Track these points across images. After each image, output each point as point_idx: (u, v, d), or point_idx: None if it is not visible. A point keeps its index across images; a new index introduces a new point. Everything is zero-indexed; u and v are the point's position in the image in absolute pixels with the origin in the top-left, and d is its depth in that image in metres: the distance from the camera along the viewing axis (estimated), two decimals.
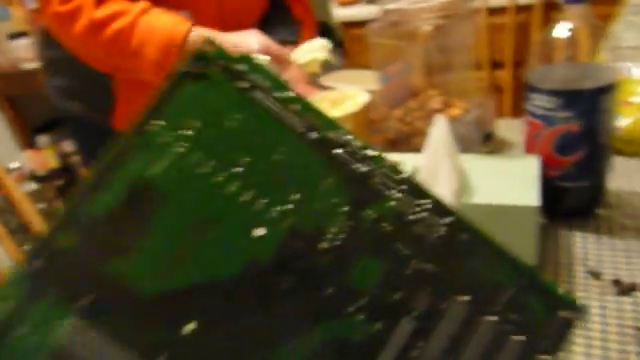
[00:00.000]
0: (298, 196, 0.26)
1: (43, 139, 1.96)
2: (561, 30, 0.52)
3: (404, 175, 0.27)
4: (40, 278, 0.24)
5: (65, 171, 1.97)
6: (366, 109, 0.74)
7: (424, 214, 0.27)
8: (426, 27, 0.61)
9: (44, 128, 1.98)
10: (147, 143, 0.26)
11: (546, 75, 0.54)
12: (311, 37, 0.94)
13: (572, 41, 0.53)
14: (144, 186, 0.25)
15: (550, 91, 0.52)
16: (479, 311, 0.27)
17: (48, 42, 0.87)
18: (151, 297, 0.25)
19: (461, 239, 0.27)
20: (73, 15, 0.70)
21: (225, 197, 0.26)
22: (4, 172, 1.18)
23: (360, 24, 1.62)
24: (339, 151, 0.27)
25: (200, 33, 0.71)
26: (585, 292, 0.47)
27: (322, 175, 0.27)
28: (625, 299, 0.46)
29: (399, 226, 0.27)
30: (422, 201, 0.27)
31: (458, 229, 0.27)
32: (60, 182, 1.96)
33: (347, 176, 0.27)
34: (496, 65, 1.41)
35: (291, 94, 0.27)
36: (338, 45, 2.85)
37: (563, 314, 0.27)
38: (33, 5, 1.76)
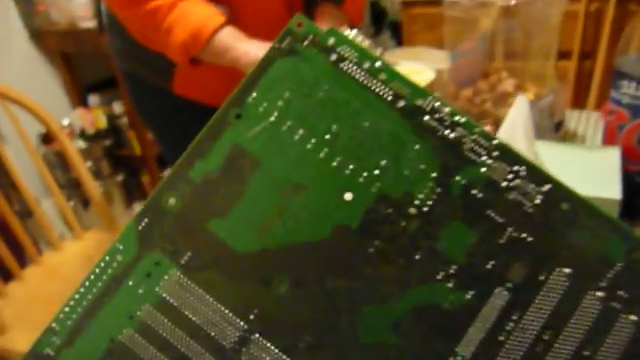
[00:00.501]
0: (385, 162, 0.27)
1: (94, 99, 2.00)
2: None
3: (496, 141, 0.26)
4: (147, 235, 0.27)
5: (112, 132, 2.01)
6: (432, 86, 0.71)
7: (518, 181, 0.26)
8: (507, 2, 0.58)
9: (96, 87, 2.02)
10: (243, 113, 0.28)
11: (638, 62, 0.50)
12: (354, 12, 0.90)
13: None
14: (240, 153, 0.27)
15: None
16: (583, 285, 0.25)
17: (115, 28, 0.88)
18: (244, 256, 0.26)
19: (561, 208, 0.26)
20: None
21: (314, 163, 0.27)
22: (59, 128, 1.21)
23: (421, 3, 1.58)
24: (427, 118, 0.27)
25: (230, 32, 0.72)
26: None
27: (410, 142, 0.27)
28: None
29: (491, 193, 0.26)
30: (516, 167, 0.26)
31: (557, 197, 0.26)
32: (107, 142, 2.00)
33: (435, 143, 0.27)
34: (562, 55, 1.35)
35: (378, 64, 0.28)
36: (390, 26, 2.80)
37: None
38: None
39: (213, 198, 0.27)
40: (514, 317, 0.25)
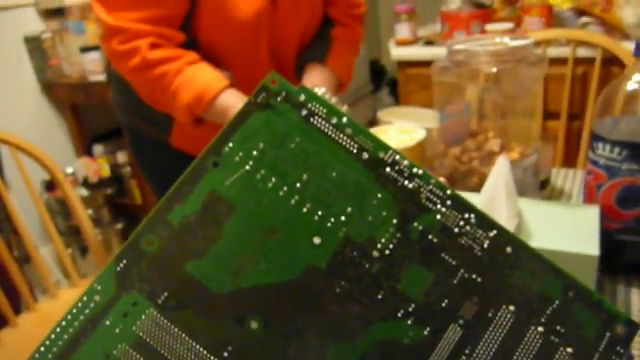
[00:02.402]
0: (351, 209, 0.29)
1: (99, 148, 2.05)
2: (631, 82, 0.52)
3: (449, 191, 0.29)
4: (126, 276, 0.27)
5: (115, 181, 2.04)
6: (422, 145, 0.74)
7: (468, 227, 0.29)
8: (490, 69, 0.62)
9: (101, 138, 2.07)
10: (220, 162, 0.29)
11: (613, 126, 0.54)
12: (339, 55, 0.95)
13: None
14: (217, 198, 0.29)
15: (616, 142, 0.52)
16: (526, 321, 0.28)
17: (118, 84, 0.93)
18: (219, 296, 0.27)
19: (505, 251, 0.29)
20: (129, 54, 0.77)
21: (286, 209, 0.29)
22: (62, 176, 1.24)
23: (416, 64, 1.65)
24: (388, 169, 0.30)
25: (232, 93, 0.77)
26: None
27: (373, 191, 0.29)
28: None
29: (445, 238, 0.29)
30: (467, 215, 0.29)
31: (502, 242, 0.29)
32: (109, 191, 2.03)
33: (396, 192, 0.29)
34: (551, 115, 1.40)
35: (344, 120, 0.30)
36: (388, 83, 2.89)
37: (617, 330, 0.28)
38: None
39: (190, 240, 0.28)
40: (466, 351, 0.27)
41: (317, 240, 0.28)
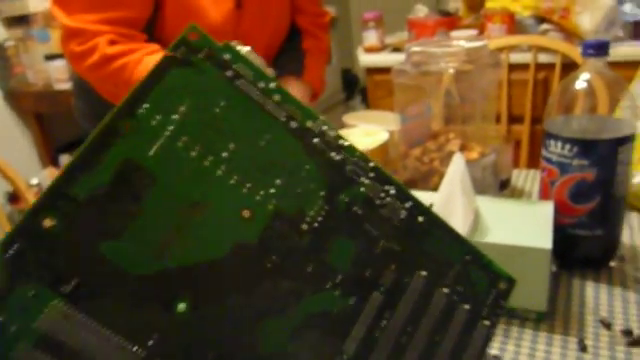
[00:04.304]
0: (280, 181, 0.28)
1: (65, 158, 2.00)
2: (580, 81, 0.54)
3: (372, 164, 0.30)
4: (21, 262, 0.23)
5: None
6: (385, 147, 0.75)
7: (389, 199, 0.30)
8: (449, 71, 0.63)
9: (68, 147, 2.03)
10: (135, 125, 0.25)
11: (564, 124, 0.55)
12: (313, 68, 0.96)
13: (590, 93, 0.54)
14: (133, 168, 0.25)
15: (567, 139, 0.53)
16: (434, 284, 0.30)
17: (81, 91, 0.93)
18: (142, 278, 0.24)
19: (418, 221, 0.30)
20: (87, 52, 0.77)
21: (212, 181, 0.26)
22: (26, 187, 1.21)
23: (383, 70, 1.67)
24: (316, 140, 0.29)
25: None
26: (595, 341, 0.47)
27: (302, 162, 0.28)
28: (635, 350, 0.45)
29: (368, 209, 0.29)
30: (387, 187, 0.30)
31: (416, 212, 0.31)
32: None
33: (324, 163, 0.29)
34: (515, 119, 1.43)
35: (272, 85, 0.28)
36: (360, 91, 2.92)
37: (500, 286, 0.32)
38: None
39: (102, 217, 0.24)
40: (386, 316, 0.29)
41: (246, 214, 0.27)
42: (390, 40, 1.77)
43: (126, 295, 0.24)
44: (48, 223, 0.23)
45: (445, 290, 0.30)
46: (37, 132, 2.00)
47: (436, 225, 0.31)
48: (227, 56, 0.27)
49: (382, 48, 1.69)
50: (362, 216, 0.29)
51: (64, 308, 0.23)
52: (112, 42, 0.76)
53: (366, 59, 1.68)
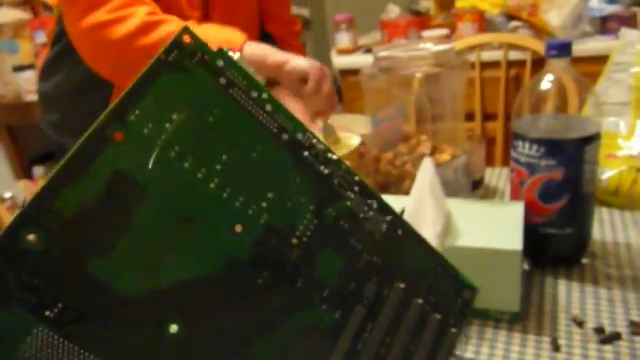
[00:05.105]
0: (271, 194, 0.27)
1: (39, 170, 1.97)
2: (545, 82, 0.55)
3: (357, 177, 0.30)
4: (0, 284, 0.21)
5: None
6: (357, 152, 0.75)
7: (371, 213, 0.30)
8: (417, 75, 0.63)
9: (42, 159, 1.99)
10: (126, 134, 0.24)
11: (531, 124, 0.56)
12: None
13: (556, 93, 0.55)
14: (124, 179, 0.23)
15: (534, 139, 0.54)
16: (411, 295, 0.31)
17: (45, 76, 0.90)
18: (132, 300, 0.23)
19: (398, 234, 0.31)
20: (121, 20, 0.70)
21: (205, 194, 0.25)
22: None
23: (356, 72, 1.67)
24: (306, 153, 0.28)
25: (254, 46, 0.71)
26: (568, 340, 0.47)
27: (292, 175, 0.28)
28: (607, 348, 0.46)
29: (353, 223, 0.29)
30: (370, 201, 0.30)
31: (396, 226, 0.31)
32: None
33: (313, 177, 0.29)
34: (489, 117, 1.45)
35: (265, 95, 0.27)
36: (338, 92, 2.92)
37: (465, 294, 0.33)
38: (41, 39, 1.80)
39: (90, 233, 0.22)
40: (368, 328, 0.29)
41: (238, 228, 0.26)
42: (363, 41, 1.77)
43: (116, 318, 0.23)
44: (30, 240, 0.21)
45: (419, 301, 0.31)
46: (9, 144, 1.96)
47: (412, 237, 0.32)
48: (221, 62, 0.26)
49: (355, 49, 1.69)
50: (347, 230, 0.29)
51: (49, 335, 0.21)
52: (151, 13, 0.70)
53: (339, 61, 1.68)
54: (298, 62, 0.68)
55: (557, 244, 0.57)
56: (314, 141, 0.29)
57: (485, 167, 0.81)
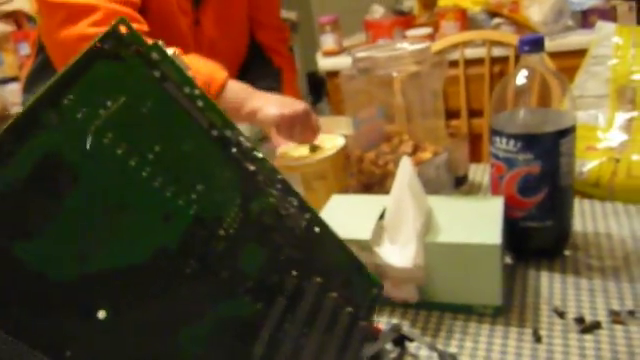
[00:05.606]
0: (201, 186, 0.28)
1: None
2: (520, 77, 0.55)
3: (280, 176, 0.32)
4: None
5: None
6: (342, 153, 0.76)
7: (292, 210, 0.32)
8: (395, 74, 0.64)
9: None
10: (58, 117, 0.23)
11: (508, 120, 0.56)
12: (291, 83, 0.98)
13: (531, 88, 0.55)
14: (55, 162, 0.23)
15: (511, 135, 0.54)
16: (326, 289, 0.32)
17: (30, 87, 0.90)
18: (62, 285, 0.23)
19: (315, 231, 0.33)
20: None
21: (137, 182, 0.26)
22: None
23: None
24: (234, 149, 0.30)
25: (235, 88, 0.73)
26: (549, 330, 0.48)
27: (221, 169, 0.29)
28: (587, 337, 0.46)
29: (276, 219, 0.31)
30: (291, 198, 0.32)
31: (314, 223, 0.33)
32: None
33: (240, 172, 0.30)
34: (474, 113, 1.46)
35: (197, 91, 0.28)
36: (326, 93, 2.92)
37: (373, 290, 0.35)
38: (26, 51, 1.80)
39: (17, 215, 0.22)
40: (288, 319, 0.31)
41: (169, 218, 0.27)
42: (348, 42, 1.78)
43: (43, 303, 0.22)
44: None
45: (334, 294, 0.33)
46: None
47: (328, 235, 0.34)
48: (155, 55, 0.27)
49: (340, 51, 1.70)
50: (270, 225, 0.31)
51: None
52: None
53: (326, 63, 1.69)
54: (268, 112, 0.70)
55: (538, 237, 0.58)
56: (241, 139, 0.30)
57: (469, 163, 0.82)
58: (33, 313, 0.22)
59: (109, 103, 0.25)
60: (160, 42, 0.27)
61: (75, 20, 0.71)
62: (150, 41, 0.27)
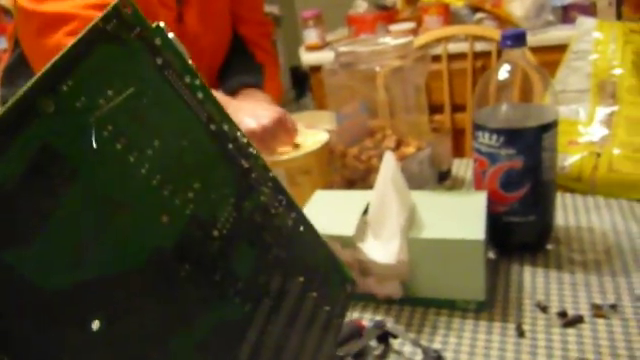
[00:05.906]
0: (198, 184, 0.27)
1: None
2: (502, 72, 0.55)
3: (271, 174, 0.31)
4: None
5: None
6: (325, 148, 0.75)
7: (281, 209, 0.31)
8: (378, 69, 0.64)
9: None
10: (57, 104, 0.21)
11: (490, 115, 0.56)
12: (274, 78, 0.97)
13: (513, 83, 0.55)
14: (52, 156, 0.20)
15: (493, 129, 0.54)
16: (308, 289, 0.32)
17: (7, 81, 0.88)
18: (54, 294, 0.21)
19: (300, 230, 0.32)
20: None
21: (136, 180, 0.24)
22: None
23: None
24: (231, 145, 0.28)
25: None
26: (532, 325, 0.48)
27: (218, 166, 0.28)
28: (570, 331, 0.47)
29: (266, 218, 0.30)
30: (280, 197, 0.31)
31: (299, 222, 0.32)
32: None
33: (235, 169, 0.29)
34: (457, 108, 1.46)
35: (198, 81, 0.27)
36: (309, 88, 2.91)
37: (348, 287, 0.35)
38: (3, 45, 1.75)
39: (9, 217, 0.19)
40: (272, 319, 0.30)
41: (165, 219, 0.25)
42: (331, 37, 1.77)
43: (34, 314, 0.20)
44: None
45: (314, 294, 0.32)
46: None
47: (310, 233, 0.33)
48: (158, 41, 0.25)
49: (323, 46, 1.69)
50: (261, 224, 0.30)
51: None
52: None
53: (309, 58, 1.68)
54: (244, 125, 0.69)
55: (521, 232, 0.58)
56: (238, 134, 0.29)
57: (452, 158, 0.82)
58: (27, 327, 0.20)
59: (110, 92, 0.23)
60: (162, 24, 0.25)
61: (52, 29, 0.69)
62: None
